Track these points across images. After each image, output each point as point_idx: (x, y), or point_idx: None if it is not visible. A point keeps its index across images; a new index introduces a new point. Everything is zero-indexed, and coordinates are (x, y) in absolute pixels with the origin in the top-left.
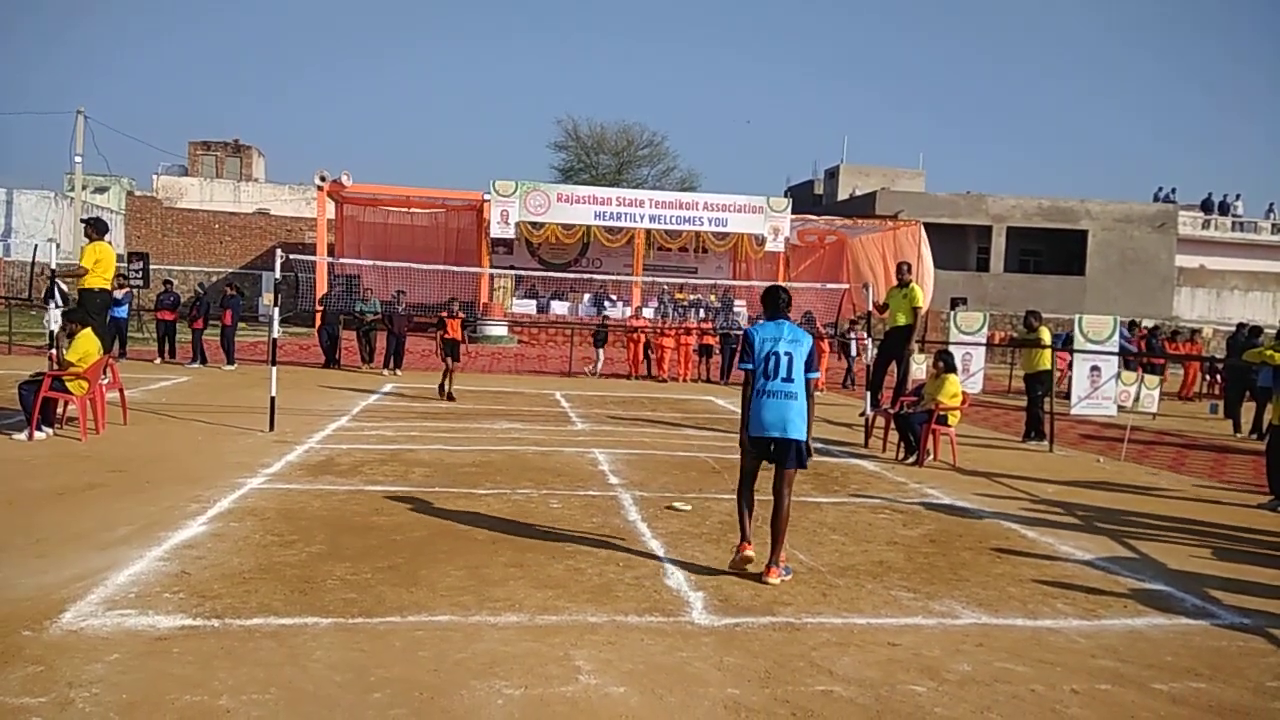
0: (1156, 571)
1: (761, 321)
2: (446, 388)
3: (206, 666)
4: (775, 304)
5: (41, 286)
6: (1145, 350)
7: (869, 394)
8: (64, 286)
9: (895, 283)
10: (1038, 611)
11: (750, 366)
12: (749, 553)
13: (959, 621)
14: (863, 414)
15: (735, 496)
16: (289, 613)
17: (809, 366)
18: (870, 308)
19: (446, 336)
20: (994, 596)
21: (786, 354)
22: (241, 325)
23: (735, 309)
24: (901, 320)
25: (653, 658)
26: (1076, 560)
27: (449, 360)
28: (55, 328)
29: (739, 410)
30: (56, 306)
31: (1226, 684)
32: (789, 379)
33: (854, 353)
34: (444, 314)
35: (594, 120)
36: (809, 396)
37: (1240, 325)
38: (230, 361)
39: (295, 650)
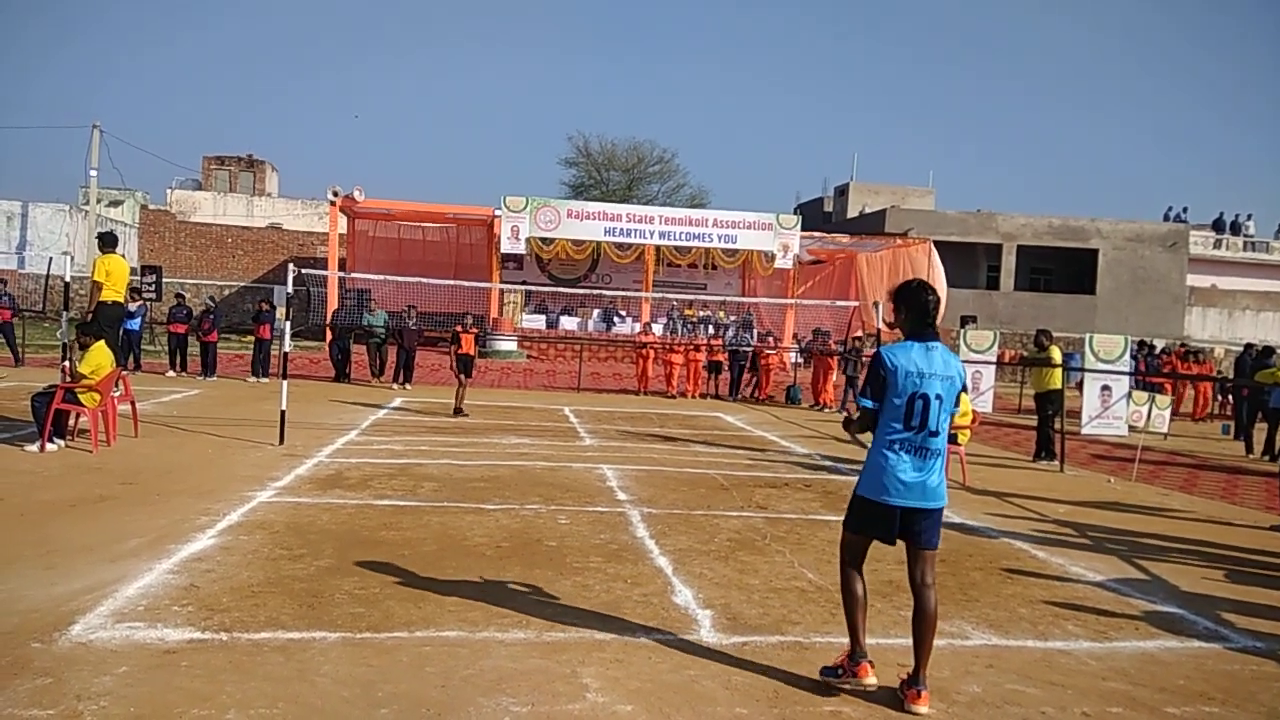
0: (1168, 594)
1: (904, 342)
2: (458, 403)
3: (214, 680)
4: (924, 316)
5: (56, 300)
6: (1147, 370)
7: None
8: None
9: None
10: (1048, 633)
11: (873, 406)
12: (872, 679)
13: (969, 642)
14: None
15: (842, 587)
16: (297, 627)
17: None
18: (881, 325)
19: (461, 352)
20: (1004, 617)
21: (938, 397)
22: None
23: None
24: None
25: (660, 676)
26: (1087, 581)
27: (462, 376)
28: None
29: (747, 427)
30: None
31: (1240, 708)
32: (935, 432)
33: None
34: (458, 328)
35: (605, 137)
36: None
37: (1248, 345)
38: (263, 374)
39: (303, 665)
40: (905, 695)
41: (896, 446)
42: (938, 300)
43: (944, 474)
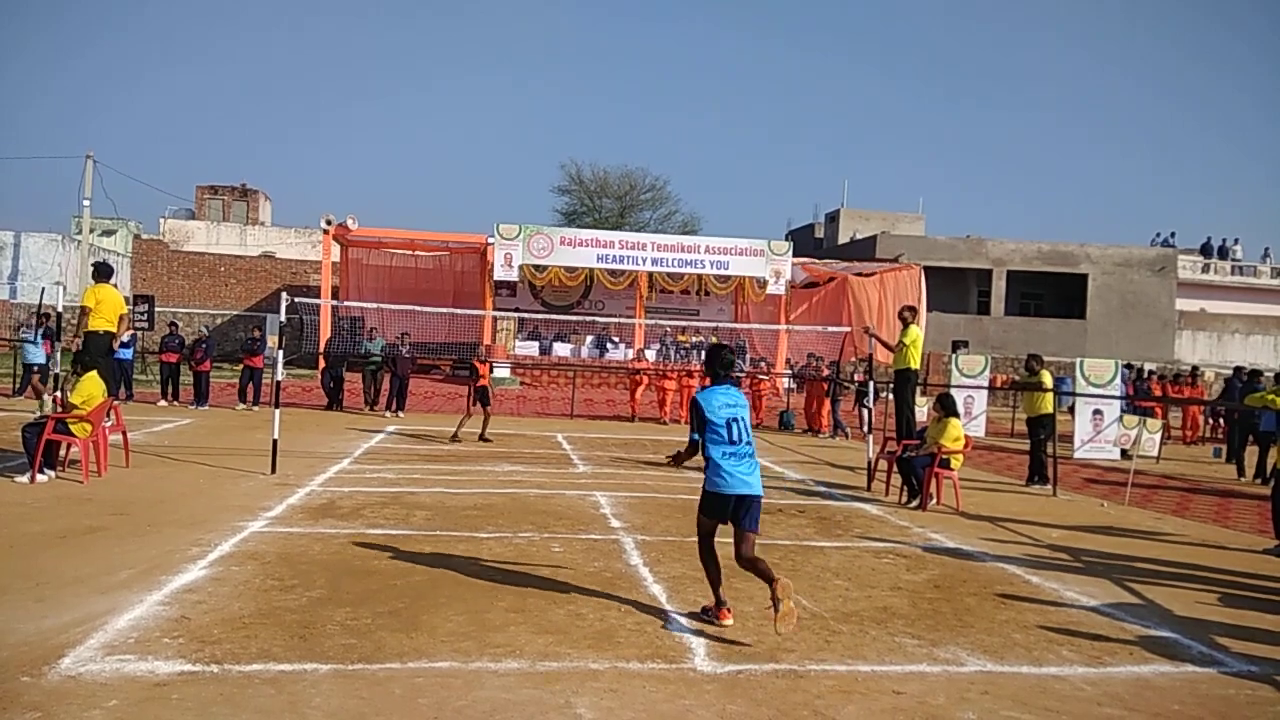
0: (1162, 618)
1: (710, 386)
2: (480, 430)
3: (205, 713)
4: (718, 368)
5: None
6: (1137, 394)
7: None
8: None
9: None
10: (1043, 658)
11: (698, 438)
12: (729, 622)
13: (964, 669)
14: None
15: (703, 560)
16: (288, 659)
17: None
18: (872, 350)
19: (480, 384)
20: (999, 643)
21: (740, 419)
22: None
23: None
24: (901, 364)
25: (655, 705)
26: (1082, 606)
27: (484, 406)
28: None
29: None
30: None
31: None
32: (748, 442)
33: (870, 403)
34: (475, 360)
35: (597, 165)
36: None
37: (1237, 369)
38: (254, 402)
39: (294, 697)
40: (778, 620)
41: (729, 457)
42: (732, 359)
43: (759, 471)
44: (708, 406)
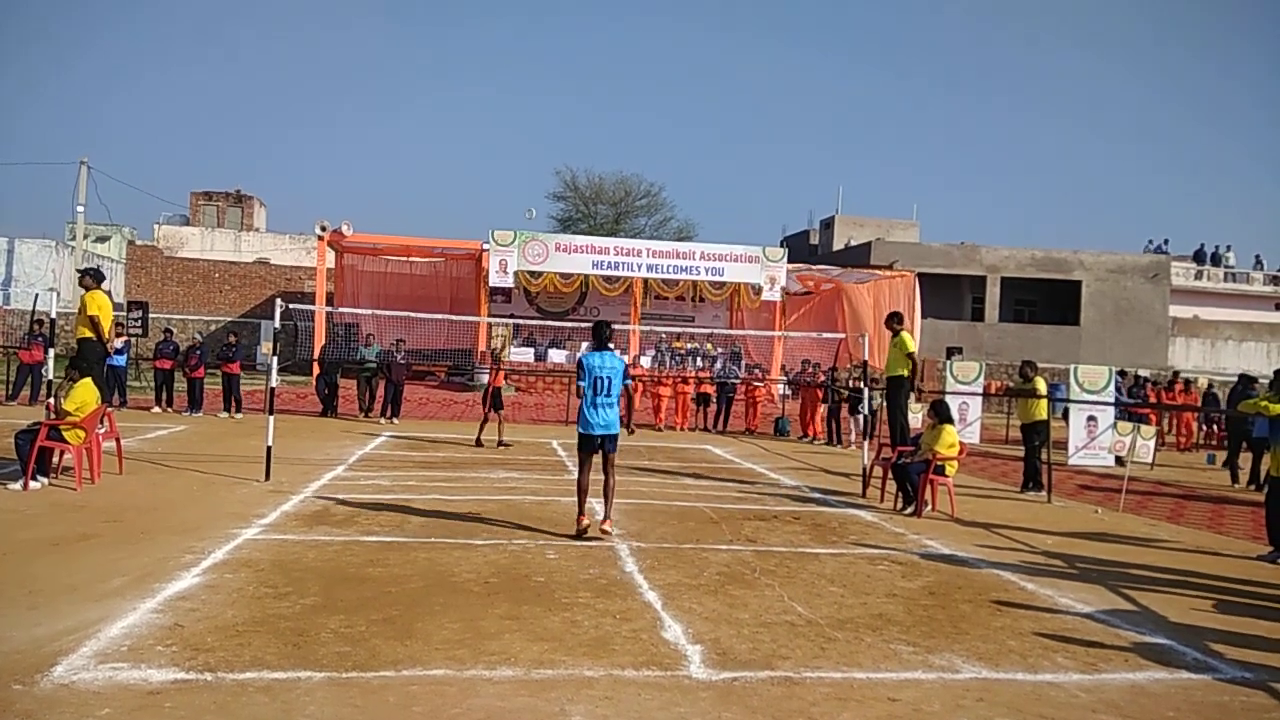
0: (1157, 624)
1: (590, 351)
2: (500, 436)
3: None
4: (601, 337)
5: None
6: (1130, 400)
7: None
8: None
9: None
10: (1038, 665)
11: (582, 384)
12: (587, 522)
13: (959, 676)
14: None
15: (578, 482)
16: (282, 666)
17: (623, 378)
18: (867, 356)
19: (494, 387)
20: (994, 650)
21: (608, 377)
22: (241, 375)
23: (739, 359)
24: (894, 370)
25: (650, 713)
26: (1076, 613)
27: (497, 411)
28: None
29: (736, 459)
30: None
31: None
32: (609, 395)
33: (867, 410)
34: (493, 366)
35: (592, 171)
36: (627, 396)
37: (1241, 376)
38: (239, 409)
39: (288, 705)
40: (603, 523)
41: (595, 406)
42: (610, 333)
43: (617, 414)
44: (588, 367)
